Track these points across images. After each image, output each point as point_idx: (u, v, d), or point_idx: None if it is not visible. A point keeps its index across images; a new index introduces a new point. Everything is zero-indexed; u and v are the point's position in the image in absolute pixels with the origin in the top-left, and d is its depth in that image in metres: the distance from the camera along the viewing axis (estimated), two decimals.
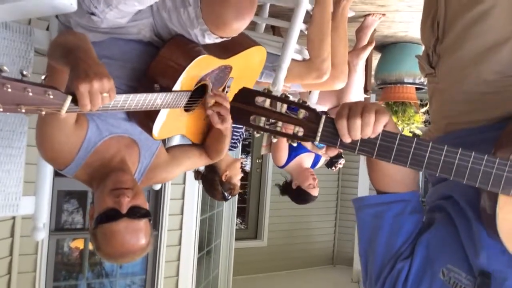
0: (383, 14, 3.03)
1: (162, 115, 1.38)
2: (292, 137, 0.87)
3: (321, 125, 0.86)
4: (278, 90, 1.99)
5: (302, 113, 0.86)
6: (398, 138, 0.85)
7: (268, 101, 0.86)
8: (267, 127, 0.87)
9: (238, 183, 2.38)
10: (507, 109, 0.99)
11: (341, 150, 3.23)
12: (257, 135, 0.87)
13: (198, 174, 2.41)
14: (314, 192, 3.12)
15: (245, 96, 0.87)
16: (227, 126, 1.48)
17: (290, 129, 0.87)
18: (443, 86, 1.13)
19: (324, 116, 0.86)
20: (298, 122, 0.86)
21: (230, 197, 2.43)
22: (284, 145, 3.16)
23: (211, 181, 2.32)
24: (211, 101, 1.41)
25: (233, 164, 2.33)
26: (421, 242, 0.99)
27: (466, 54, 1.04)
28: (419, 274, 0.95)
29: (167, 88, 1.32)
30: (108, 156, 1.41)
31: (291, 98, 0.87)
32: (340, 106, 0.87)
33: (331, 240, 7.27)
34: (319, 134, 0.86)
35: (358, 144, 0.86)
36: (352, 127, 0.84)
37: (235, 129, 2.68)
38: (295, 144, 0.89)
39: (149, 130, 1.40)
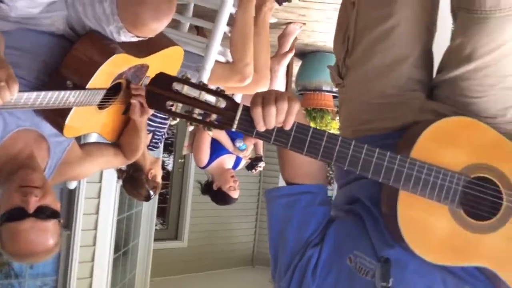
0: (304, 23, 3.15)
1: (74, 113, 1.32)
2: (209, 124, 0.87)
3: (238, 114, 0.88)
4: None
5: (219, 101, 0.87)
6: (311, 131, 0.89)
7: (186, 88, 0.86)
8: (183, 113, 0.87)
9: (160, 182, 2.38)
10: (405, 120, 1.09)
11: (261, 154, 3.30)
12: (173, 122, 0.87)
13: (121, 173, 2.35)
14: (234, 194, 3.16)
15: (163, 81, 0.86)
16: (142, 119, 1.49)
17: (208, 116, 0.87)
18: (350, 96, 1.21)
19: (241, 105, 0.88)
20: (216, 110, 0.87)
21: (153, 196, 2.41)
22: (205, 146, 3.17)
23: (138, 179, 2.29)
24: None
25: (156, 162, 2.33)
26: (330, 231, 1.04)
27: (371, 68, 1.13)
28: (328, 261, 1.00)
29: (80, 85, 1.27)
30: (15, 151, 1.33)
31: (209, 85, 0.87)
32: (253, 95, 0.89)
33: (251, 241, 7.35)
34: (236, 122, 0.88)
35: (274, 134, 0.89)
36: (266, 115, 0.87)
37: (158, 129, 2.65)
38: (211, 133, 0.90)
39: (59, 128, 1.33)
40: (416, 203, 0.93)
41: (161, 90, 0.86)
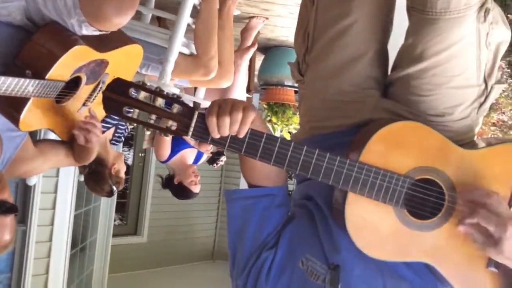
0: (266, 18, 3.17)
1: (31, 105, 1.30)
2: (165, 130, 0.89)
3: (194, 121, 0.90)
4: (165, 84, 1.99)
5: (176, 108, 0.89)
6: (264, 137, 0.92)
7: (142, 93, 0.87)
8: (140, 119, 0.88)
9: (124, 177, 2.36)
10: (361, 117, 1.13)
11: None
12: (130, 127, 0.88)
13: (83, 168, 2.31)
14: (196, 189, 3.16)
15: (119, 87, 0.87)
16: (91, 146, 1.51)
17: (164, 122, 0.89)
18: (309, 93, 1.24)
19: (197, 112, 0.90)
20: (172, 116, 0.89)
21: (116, 191, 2.39)
22: (166, 141, 3.15)
23: (101, 174, 2.25)
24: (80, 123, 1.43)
25: (120, 157, 2.31)
26: (285, 234, 1.07)
27: (329, 65, 1.16)
28: (282, 263, 1.03)
29: (39, 76, 1.24)
30: None
31: (166, 92, 0.89)
32: (210, 104, 0.91)
33: (212, 236, 7.36)
34: (191, 129, 0.90)
35: (228, 141, 0.91)
36: (221, 125, 0.89)
37: (120, 124, 2.62)
38: (168, 138, 0.91)
39: (14, 121, 1.31)
40: (363, 204, 0.98)
41: (118, 96, 0.86)
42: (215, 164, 3.49)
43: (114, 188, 2.33)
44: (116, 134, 2.67)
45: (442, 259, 1.01)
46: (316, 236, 1.07)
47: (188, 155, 3.24)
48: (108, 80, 1.61)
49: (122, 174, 2.32)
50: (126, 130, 2.81)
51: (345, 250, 1.01)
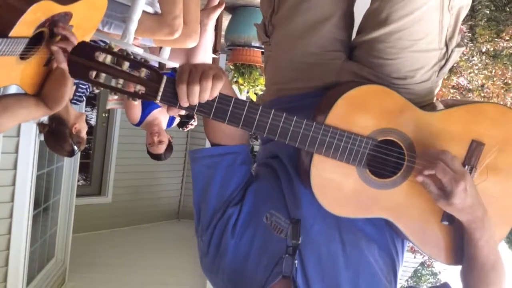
0: None
1: None
2: (132, 95, 0.88)
3: (162, 86, 0.89)
4: (128, 42, 1.94)
5: (143, 72, 0.88)
6: (232, 102, 0.93)
7: (109, 57, 0.86)
8: (107, 83, 0.87)
9: (85, 137, 2.31)
10: (327, 79, 1.15)
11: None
12: (96, 91, 0.87)
13: (43, 127, 2.25)
14: (155, 151, 3.14)
15: (85, 51, 0.85)
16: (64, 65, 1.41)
17: (131, 87, 0.88)
18: (275, 55, 1.25)
19: (165, 77, 0.90)
20: (139, 81, 0.88)
21: (77, 151, 2.35)
22: (137, 103, 3.10)
23: (61, 133, 2.20)
24: (57, 38, 1.34)
25: (81, 117, 2.24)
26: (250, 190, 1.10)
27: (295, 27, 1.17)
28: (247, 219, 1.07)
29: (2, 33, 1.20)
30: None
31: (133, 55, 0.88)
32: (179, 68, 0.91)
33: (177, 196, 7.41)
34: (160, 94, 0.89)
35: (196, 105, 0.92)
36: (190, 93, 0.89)
37: (81, 83, 2.55)
38: (136, 102, 0.91)
39: None
40: (327, 165, 1.02)
41: (83, 59, 0.84)
42: (184, 128, 3.48)
43: (75, 148, 2.29)
44: (77, 94, 2.60)
45: (400, 214, 1.07)
46: (280, 192, 1.11)
47: (161, 118, 3.22)
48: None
49: (83, 134, 2.28)
50: (88, 89, 2.74)
51: (306, 206, 1.06)
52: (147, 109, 3.13)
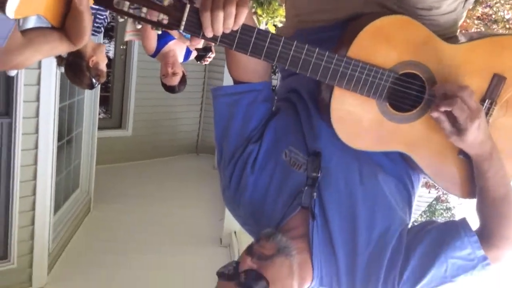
0: None
1: None
2: (156, 24, 0.88)
3: (185, 15, 0.89)
4: None
5: (167, 1, 0.87)
6: (255, 32, 0.92)
7: None
8: (130, 11, 0.87)
9: (105, 69, 2.31)
10: (351, 10, 1.13)
11: (212, 44, 3.22)
12: (120, 20, 0.87)
13: (61, 60, 2.26)
14: (169, 82, 3.14)
15: None
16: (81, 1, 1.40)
17: (155, 15, 0.88)
18: None
19: (188, 6, 0.89)
20: (163, 10, 0.88)
21: (97, 84, 2.36)
22: (153, 32, 3.06)
23: (78, 66, 2.20)
24: None
25: (99, 48, 2.24)
26: (269, 127, 1.12)
27: None
28: (266, 155, 1.10)
29: None
30: None
31: None
32: None
33: (195, 130, 7.49)
34: (183, 23, 0.89)
35: (220, 36, 0.92)
36: (214, 20, 0.87)
37: (99, 13, 2.52)
38: (159, 32, 0.91)
39: (1, 6, 1.26)
40: (348, 98, 1.02)
41: None
42: (202, 61, 3.45)
43: (94, 80, 2.30)
44: (95, 24, 2.57)
45: (418, 148, 1.08)
46: (299, 128, 1.13)
47: (177, 51, 3.19)
48: None
49: (102, 67, 2.27)
50: (106, 20, 2.70)
51: (324, 139, 1.07)
52: (162, 40, 3.10)
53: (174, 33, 3.05)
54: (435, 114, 1.00)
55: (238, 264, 0.91)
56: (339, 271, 1.02)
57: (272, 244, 0.94)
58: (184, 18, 0.88)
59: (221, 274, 0.91)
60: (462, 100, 0.96)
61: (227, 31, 0.90)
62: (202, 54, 3.38)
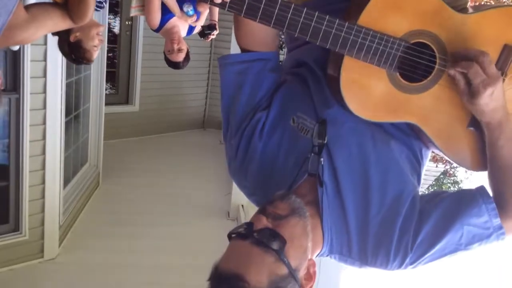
0: None
1: None
2: None
3: None
4: None
5: None
6: None
7: None
8: None
9: (93, 50, 2.19)
10: None
11: (216, 20, 3.19)
12: None
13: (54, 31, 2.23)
14: (174, 58, 3.11)
15: None
16: None
17: None
18: None
19: None
20: None
21: (84, 62, 2.26)
22: (156, 7, 3.04)
23: (61, 39, 2.13)
24: None
25: (88, 27, 2.10)
26: (278, 95, 1.12)
27: None
28: (274, 122, 1.09)
29: None
30: None
31: None
32: None
33: (202, 105, 7.48)
34: None
35: (228, 1, 0.90)
36: None
37: None
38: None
39: None
40: (357, 67, 1.01)
41: None
42: (205, 38, 3.42)
43: (73, 56, 2.20)
44: (97, 0, 2.53)
45: (427, 119, 1.08)
46: (307, 95, 1.12)
47: (180, 27, 3.16)
48: None
49: (87, 46, 2.14)
50: None
51: (336, 106, 1.07)
52: (166, 15, 3.08)
53: (176, 10, 3.02)
54: (451, 72, 1.00)
55: (251, 224, 0.89)
56: (350, 236, 1.02)
57: (286, 204, 0.93)
58: None
59: (234, 234, 0.89)
60: (481, 65, 0.96)
61: None
62: (207, 32, 3.35)
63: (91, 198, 4.89)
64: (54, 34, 2.24)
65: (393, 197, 1.01)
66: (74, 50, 2.15)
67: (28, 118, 3.45)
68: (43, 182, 3.72)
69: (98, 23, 2.25)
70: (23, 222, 3.67)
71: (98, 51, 2.26)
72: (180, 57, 3.12)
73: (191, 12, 3.16)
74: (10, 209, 3.65)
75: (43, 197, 3.74)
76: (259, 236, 0.85)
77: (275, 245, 0.84)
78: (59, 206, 3.90)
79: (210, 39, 3.48)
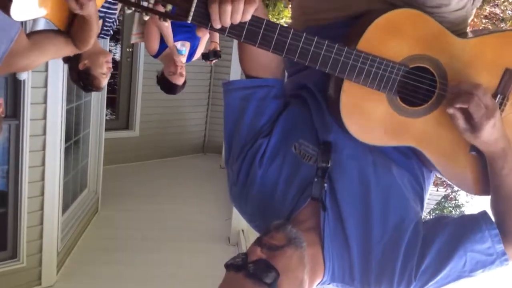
0: None
1: None
2: (163, 15, 0.87)
3: (194, 6, 0.88)
4: None
5: None
6: (264, 24, 0.91)
7: None
8: (138, 2, 0.86)
9: (101, 78, 2.25)
10: (358, 8, 1.12)
11: (217, 41, 3.24)
12: (128, 11, 0.86)
13: (65, 58, 2.26)
14: (176, 80, 3.14)
15: None
16: (88, 12, 1.39)
17: (162, 7, 0.87)
18: None
19: None
20: (171, 1, 0.87)
21: (93, 89, 2.30)
22: (155, 34, 3.08)
23: (71, 67, 2.19)
24: None
25: (96, 55, 2.18)
26: (279, 122, 1.11)
27: None
28: (276, 148, 1.08)
29: None
30: None
31: None
32: None
33: (202, 130, 7.50)
34: (191, 14, 0.88)
35: (228, 27, 0.91)
36: (222, 12, 0.87)
37: (108, 16, 2.52)
38: (167, 24, 0.90)
39: (5, 9, 1.26)
40: (357, 91, 1.01)
41: None
42: (209, 61, 3.47)
43: (82, 84, 2.24)
44: (104, 28, 2.57)
45: (429, 143, 1.07)
46: (309, 121, 1.12)
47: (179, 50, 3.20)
48: None
49: (95, 73, 2.20)
50: (115, 23, 2.70)
51: (336, 130, 1.06)
52: (165, 43, 3.12)
53: (169, 42, 3.07)
54: (450, 111, 0.98)
55: (246, 255, 0.88)
56: (353, 264, 1.00)
57: (282, 234, 0.91)
58: (192, 9, 0.88)
59: (229, 265, 0.87)
60: (478, 98, 0.95)
61: (235, 23, 0.89)
62: (212, 58, 3.40)
63: (90, 224, 4.85)
64: (64, 62, 2.28)
65: (395, 224, 1.00)
66: (83, 78, 2.19)
67: (27, 144, 3.45)
68: (42, 208, 3.70)
69: (106, 51, 2.29)
70: (21, 249, 3.63)
71: (107, 79, 2.30)
72: (181, 80, 3.15)
73: (183, 51, 3.21)
74: (8, 236, 3.61)
75: (41, 223, 3.71)
76: (253, 268, 0.84)
77: (268, 278, 0.83)
78: (58, 233, 3.87)
79: (212, 62, 3.53)
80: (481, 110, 0.95)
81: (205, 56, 3.43)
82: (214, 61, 3.52)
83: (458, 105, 0.97)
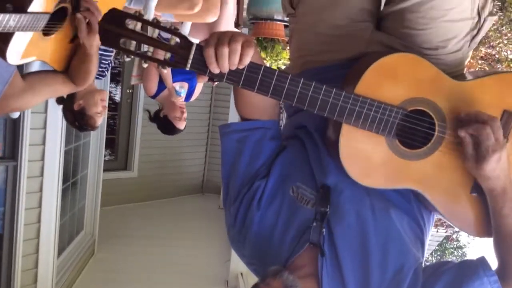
0: None
1: (17, 38, 1.26)
2: (162, 63, 0.88)
3: (192, 53, 0.89)
4: (149, 18, 1.94)
5: (173, 40, 0.88)
6: (262, 70, 0.92)
7: (139, 25, 0.85)
8: (137, 51, 0.87)
9: (96, 117, 2.24)
10: (355, 51, 1.13)
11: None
12: (127, 59, 0.87)
13: (59, 99, 2.27)
14: (180, 125, 3.18)
15: (115, 18, 0.85)
16: (93, 42, 1.40)
17: (161, 54, 0.88)
18: (301, 27, 1.23)
19: (195, 44, 0.89)
20: (169, 48, 0.88)
21: (88, 129, 2.30)
22: (154, 75, 3.13)
23: (66, 107, 2.19)
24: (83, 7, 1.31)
25: (91, 94, 2.18)
26: (276, 163, 1.10)
27: None
28: (273, 191, 1.08)
29: (21, 8, 1.19)
30: None
31: (163, 24, 0.88)
32: (209, 35, 0.90)
33: (201, 170, 7.48)
34: (189, 61, 0.89)
35: (226, 73, 0.92)
36: (219, 56, 0.87)
37: (103, 57, 2.56)
38: (165, 71, 0.91)
39: (1, 53, 1.27)
40: (356, 135, 1.00)
41: (114, 26, 0.85)
42: (212, 82, 3.49)
43: (78, 124, 2.24)
44: (99, 69, 2.60)
45: (429, 186, 1.06)
46: (307, 163, 1.11)
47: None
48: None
49: (90, 112, 2.19)
50: (110, 65, 2.74)
51: (334, 174, 1.05)
52: (163, 84, 3.16)
53: (168, 83, 3.12)
54: (462, 133, 0.98)
55: None
56: None
57: (279, 282, 0.90)
58: (191, 56, 0.89)
59: None
60: (492, 129, 0.95)
61: (233, 68, 0.89)
62: (215, 80, 3.43)
63: (86, 266, 4.75)
64: (58, 103, 2.29)
65: (394, 271, 0.98)
66: (78, 118, 2.18)
67: (24, 185, 3.43)
68: (37, 251, 3.64)
69: (101, 89, 2.30)
70: None
71: (102, 118, 2.30)
72: (184, 125, 3.20)
73: (181, 93, 3.26)
74: (1, 280, 3.52)
75: (36, 267, 3.63)
76: None
77: None
78: (52, 277, 3.78)
79: (215, 83, 3.54)
80: (490, 141, 0.95)
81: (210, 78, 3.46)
82: (216, 83, 3.55)
83: (471, 131, 0.96)
